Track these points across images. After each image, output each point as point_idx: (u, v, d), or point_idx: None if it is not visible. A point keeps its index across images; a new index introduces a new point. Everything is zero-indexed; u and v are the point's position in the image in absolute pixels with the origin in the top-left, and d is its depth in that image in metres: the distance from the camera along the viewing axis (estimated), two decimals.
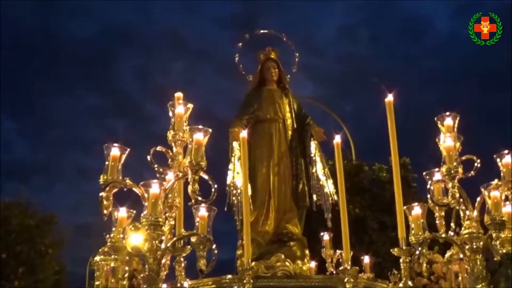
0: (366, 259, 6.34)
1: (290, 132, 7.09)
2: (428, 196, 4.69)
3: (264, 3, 24.78)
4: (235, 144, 6.71)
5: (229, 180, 6.60)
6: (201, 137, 4.18)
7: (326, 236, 6.32)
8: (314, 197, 6.79)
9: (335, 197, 6.58)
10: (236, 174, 6.57)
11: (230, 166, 6.69)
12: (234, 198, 6.47)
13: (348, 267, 4.87)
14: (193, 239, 4.51)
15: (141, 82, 27.42)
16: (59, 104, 26.65)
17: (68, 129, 25.86)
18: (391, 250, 4.64)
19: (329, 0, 25.50)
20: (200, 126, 4.21)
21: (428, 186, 4.66)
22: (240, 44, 7.42)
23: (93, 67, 25.20)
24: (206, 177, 4.17)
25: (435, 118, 4.63)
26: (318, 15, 26.75)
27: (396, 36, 26.43)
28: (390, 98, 4.88)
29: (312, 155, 6.96)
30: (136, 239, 4.15)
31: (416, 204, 4.72)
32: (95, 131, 23.51)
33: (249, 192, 5.71)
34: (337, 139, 5.59)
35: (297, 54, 7.48)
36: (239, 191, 6.39)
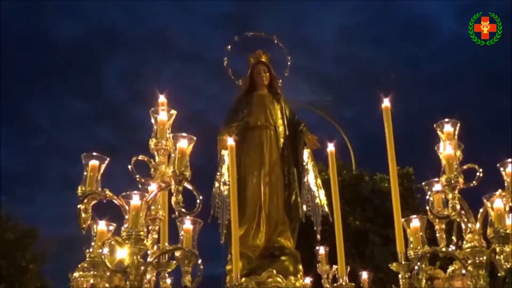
0: (364, 275, 6.32)
1: (282, 140, 7.11)
2: (427, 207, 4.66)
3: (259, 2, 24.83)
4: (224, 152, 6.71)
5: (214, 190, 6.60)
6: (185, 145, 4.14)
7: (321, 250, 6.29)
8: (304, 207, 6.79)
9: (326, 209, 6.57)
10: (223, 185, 6.56)
11: (217, 175, 6.71)
12: (218, 209, 6.45)
13: (344, 283, 4.85)
14: (177, 253, 4.49)
15: (128, 87, 27.39)
16: (42, 110, 26.67)
17: (51, 136, 25.87)
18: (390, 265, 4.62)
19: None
20: (184, 134, 4.17)
21: (427, 197, 4.63)
22: (229, 46, 7.43)
23: (77, 71, 25.18)
24: (190, 187, 4.14)
25: (434, 125, 4.61)
26: (317, 15, 26.84)
27: (399, 37, 26.53)
28: (386, 103, 4.86)
29: (304, 163, 6.96)
30: (118, 253, 4.12)
31: (414, 216, 4.69)
32: (80, 138, 23.50)
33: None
34: (331, 147, 5.56)
35: (290, 58, 7.48)
36: (227, 201, 6.38)
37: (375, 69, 23.49)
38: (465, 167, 4.55)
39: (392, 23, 26.67)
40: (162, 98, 4.63)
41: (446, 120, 4.54)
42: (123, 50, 27.23)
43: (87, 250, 4.54)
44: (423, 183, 4.81)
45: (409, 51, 26.54)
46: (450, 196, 4.42)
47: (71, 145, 22.60)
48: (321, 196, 6.79)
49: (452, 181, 4.40)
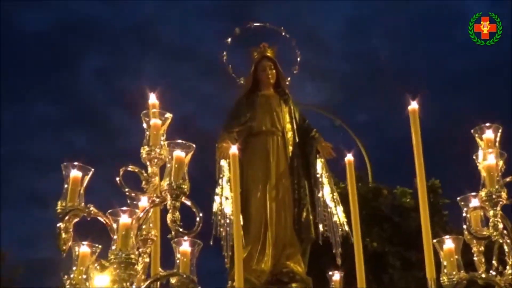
0: None
1: (291, 148, 7.12)
2: (464, 226, 4.64)
3: None
4: (223, 162, 6.72)
5: (215, 207, 6.60)
6: (182, 154, 4.13)
7: (336, 276, 6.27)
8: (321, 227, 6.78)
9: (346, 228, 6.56)
10: (225, 200, 6.57)
11: (217, 189, 6.71)
12: (221, 229, 6.46)
13: None
14: (172, 280, 4.46)
15: (107, 87, 27.41)
16: (7, 114, 26.62)
17: (17, 144, 25.81)
18: None
19: None
20: (182, 141, 4.16)
21: (463, 215, 4.62)
22: (229, 39, 7.45)
23: (47, 69, 25.19)
24: (189, 203, 4.13)
25: (472, 131, 4.60)
26: (324, 6, 26.86)
27: (418, 30, 26.57)
28: (414, 105, 4.84)
29: (318, 175, 6.97)
30: (101, 280, 4.11)
31: (448, 237, 4.67)
32: (51, 147, 23.47)
33: (241, 222, 5.67)
34: (349, 156, 5.54)
35: (299, 52, 7.48)
36: (228, 220, 6.37)
37: (391, 66, 23.52)
38: (508, 179, 4.55)
39: (409, 13, 26.71)
40: (153, 99, 4.62)
41: (487, 125, 4.53)
42: (101, 45, 27.24)
43: (66, 276, 4.51)
44: (458, 198, 4.80)
45: (429, 45, 26.57)
46: (491, 213, 4.42)
47: (40, 155, 22.57)
48: (339, 213, 6.78)
49: (494, 196, 4.39)
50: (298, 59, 7.55)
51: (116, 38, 26.51)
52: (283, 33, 7.57)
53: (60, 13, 27.58)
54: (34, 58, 24.76)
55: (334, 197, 6.91)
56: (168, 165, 4.15)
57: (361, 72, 25.29)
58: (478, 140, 4.59)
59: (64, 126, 26.44)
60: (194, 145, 4.19)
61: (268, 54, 7.39)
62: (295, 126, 7.23)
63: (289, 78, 7.46)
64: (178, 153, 4.14)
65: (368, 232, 11.73)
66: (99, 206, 4.27)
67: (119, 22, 27.20)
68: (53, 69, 25.67)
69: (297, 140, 7.17)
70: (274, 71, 7.37)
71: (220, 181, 6.72)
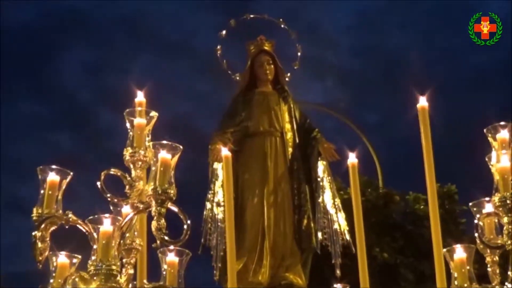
0: None
1: (290, 149, 7.13)
2: (476, 235, 4.65)
3: None
4: (216, 165, 6.72)
5: (205, 213, 6.59)
6: (169, 156, 4.13)
7: None
8: (319, 235, 6.78)
9: (348, 237, 6.56)
10: (216, 206, 6.56)
11: (209, 195, 6.70)
12: (211, 237, 6.45)
13: None
14: None
15: (94, 84, 27.37)
16: None
17: None
18: None
19: None
20: (168, 142, 4.16)
21: (475, 222, 4.62)
22: (224, 32, 7.46)
23: (28, 64, 25.18)
24: (175, 209, 4.13)
25: (485, 130, 4.61)
26: None
27: (434, 22, 26.53)
28: (423, 103, 4.85)
29: (319, 179, 6.95)
30: None
31: (458, 246, 4.67)
32: (31, 148, 23.46)
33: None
34: (352, 158, 5.53)
35: (300, 46, 7.49)
36: (219, 228, 6.37)
37: (403, 62, 23.47)
38: None
39: (426, 3, 26.68)
40: (140, 97, 4.63)
41: (501, 123, 4.53)
42: (87, 38, 27.20)
43: None
44: (470, 204, 4.80)
45: (447, 39, 26.54)
46: (505, 220, 4.42)
47: (20, 157, 22.54)
48: (340, 221, 6.78)
49: (508, 201, 4.39)
50: (299, 53, 7.56)
51: (104, 31, 26.48)
52: (283, 25, 7.58)
53: (41, 5, 27.57)
54: (16, 52, 24.73)
55: (336, 203, 6.91)
56: (153, 168, 4.14)
57: (370, 68, 25.29)
58: (491, 140, 4.59)
59: (47, 127, 26.45)
60: (181, 146, 4.18)
61: (266, 48, 7.40)
62: (295, 126, 7.24)
63: (288, 74, 7.47)
64: (164, 155, 4.13)
65: (378, 242, 11.74)
66: (82, 213, 4.27)
67: (108, 13, 27.12)
68: (36, 64, 25.65)
69: (297, 141, 7.18)
70: (272, 66, 7.38)
71: (212, 185, 6.73)
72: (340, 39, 27.87)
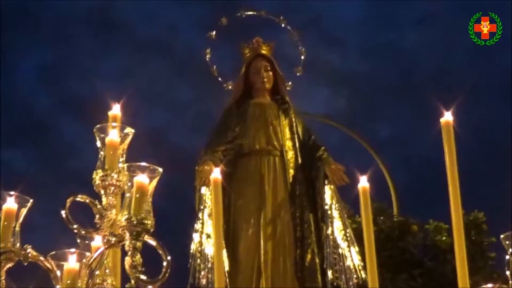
0: None
1: (291, 171, 7.15)
2: (508, 272, 4.64)
3: None
4: (204, 190, 6.70)
5: (193, 247, 6.57)
6: (146, 181, 4.12)
7: None
8: (330, 273, 6.75)
9: (363, 274, 6.55)
10: (206, 238, 6.55)
11: (197, 225, 6.70)
12: (200, 275, 6.43)
13: None
14: None
15: (52, 90, 27.19)
16: None
17: None
18: None
19: None
20: (145, 164, 4.15)
21: (507, 257, 4.61)
22: (214, 33, 7.46)
23: None
24: (153, 243, 4.12)
25: None
26: None
27: (455, 18, 26.56)
28: (448, 117, 4.84)
29: (326, 207, 6.95)
30: None
31: (490, 285, 4.67)
32: None
33: (226, 267, 5.66)
34: (364, 182, 5.51)
35: (303, 49, 7.50)
36: (209, 264, 6.36)
37: (422, 64, 23.54)
38: None
39: None
40: (115, 110, 4.64)
41: None
42: (44, 37, 27.08)
43: None
44: (501, 236, 4.79)
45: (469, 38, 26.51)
46: None
47: None
48: (354, 256, 6.74)
49: None
50: (303, 57, 7.57)
51: (65, 27, 26.29)
52: (283, 24, 7.60)
53: None
54: None
55: (347, 234, 6.85)
56: (128, 195, 4.14)
57: (383, 72, 25.23)
58: None
59: None
60: (160, 169, 4.19)
61: (263, 52, 7.41)
62: (297, 144, 7.23)
63: (290, 83, 7.48)
64: (141, 178, 4.12)
65: (392, 280, 11.73)
66: (44, 247, 4.26)
67: (70, 6, 26.85)
68: None
69: (299, 161, 7.18)
70: (270, 73, 7.38)
71: (200, 214, 6.70)
72: (346, 37, 27.92)
